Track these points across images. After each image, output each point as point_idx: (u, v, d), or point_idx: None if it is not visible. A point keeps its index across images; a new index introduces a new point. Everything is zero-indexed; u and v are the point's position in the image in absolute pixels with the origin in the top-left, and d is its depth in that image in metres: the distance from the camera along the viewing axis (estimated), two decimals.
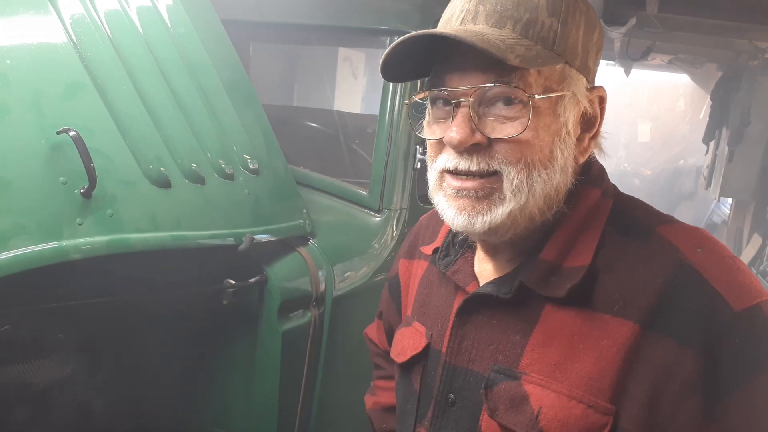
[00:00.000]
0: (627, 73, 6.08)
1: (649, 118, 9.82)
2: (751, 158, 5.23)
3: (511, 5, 0.72)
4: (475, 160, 0.72)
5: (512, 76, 0.70)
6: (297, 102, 4.11)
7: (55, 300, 1.21)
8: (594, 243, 0.74)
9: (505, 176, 0.71)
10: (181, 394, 1.65)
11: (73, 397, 1.40)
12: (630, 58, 4.21)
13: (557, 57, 0.72)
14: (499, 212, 0.72)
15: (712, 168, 5.76)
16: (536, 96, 0.70)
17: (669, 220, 0.76)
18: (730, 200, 6.00)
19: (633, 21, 3.21)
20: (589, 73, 0.77)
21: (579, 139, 0.77)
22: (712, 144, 5.76)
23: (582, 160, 0.78)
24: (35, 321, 1.26)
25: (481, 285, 0.82)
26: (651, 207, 0.80)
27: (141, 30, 1.35)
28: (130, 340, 1.42)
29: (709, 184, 5.87)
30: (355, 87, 5.15)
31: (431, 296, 0.91)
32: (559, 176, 0.74)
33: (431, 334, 0.87)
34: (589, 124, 0.78)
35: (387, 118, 1.85)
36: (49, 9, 1.20)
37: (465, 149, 0.72)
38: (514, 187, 0.71)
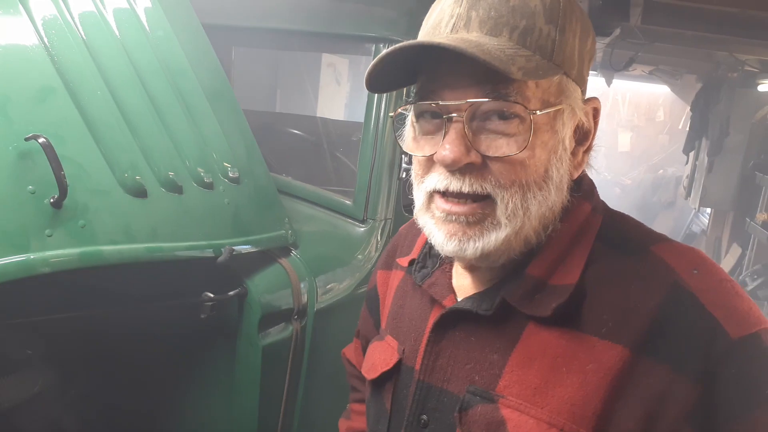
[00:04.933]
0: (608, 83, 6.14)
1: (629, 127, 9.94)
2: (730, 169, 5.30)
3: (507, 11, 0.66)
4: (467, 180, 0.67)
5: (510, 89, 0.65)
6: (279, 108, 4.06)
7: (23, 315, 1.15)
8: (583, 260, 0.71)
9: (498, 201, 0.67)
10: (157, 412, 1.59)
11: (42, 416, 1.33)
12: (613, 68, 4.23)
13: (556, 67, 0.67)
14: (492, 238, 0.68)
15: (692, 178, 5.83)
16: (537, 112, 0.66)
17: (663, 239, 0.72)
18: (709, 210, 6.07)
19: (617, 32, 3.22)
20: (584, 83, 0.73)
21: (573, 153, 0.73)
22: (692, 154, 5.83)
23: (576, 174, 0.74)
24: (1, 337, 1.19)
25: (459, 299, 0.78)
26: (642, 224, 0.76)
27: (117, 33, 1.30)
28: (102, 356, 1.36)
29: (689, 194, 5.94)
30: (339, 93, 5.12)
31: (405, 308, 0.87)
32: (554, 195, 0.69)
33: (403, 350, 0.83)
34: (584, 137, 0.74)
35: (372, 126, 1.81)
36: (20, 9, 1.14)
37: (458, 168, 0.67)
38: (509, 212, 0.67)
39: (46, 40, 1.15)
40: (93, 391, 1.45)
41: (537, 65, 0.65)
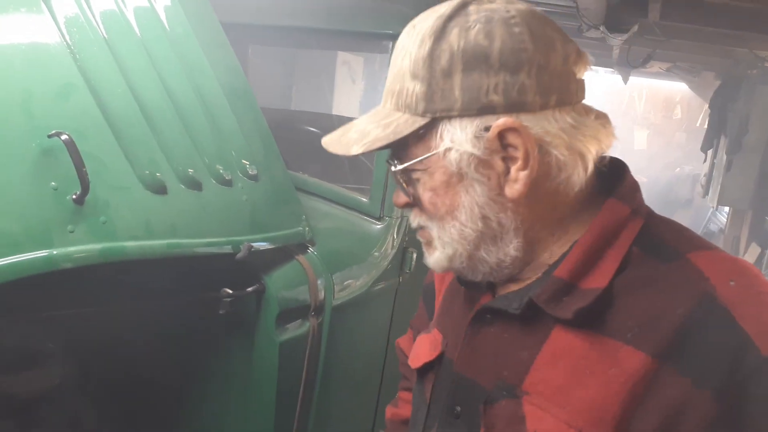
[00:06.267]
0: (625, 80, 6.08)
1: (645, 125, 9.84)
2: (749, 167, 5.23)
3: (392, 80, 0.74)
4: (414, 216, 0.80)
5: (395, 151, 0.75)
6: (295, 106, 4.07)
7: (44, 309, 1.16)
8: (615, 264, 0.69)
9: (430, 230, 0.77)
10: (174, 406, 1.60)
11: (61, 409, 1.35)
12: (630, 65, 4.19)
13: (421, 119, 0.70)
14: (437, 257, 0.77)
15: (710, 176, 5.76)
16: (401, 166, 0.74)
17: (704, 246, 0.70)
18: (727, 208, 5.99)
19: (635, 28, 3.18)
20: (494, 108, 0.67)
21: (506, 174, 0.70)
22: (710, 152, 5.76)
23: (514, 193, 0.69)
24: (23, 330, 1.21)
25: (496, 297, 0.80)
26: (689, 231, 0.74)
27: (137, 31, 1.31)
28: (121, 351, 1.38)
29: (706, 193, 5.87)
30: (354, 91, 5.12)
31: (453, 305, 0.90)
32: (472, 220, 0.72)
33: (446, 343, 0.86)
34: (511, 157, 0.69)
35: None
36: (42, 8, 1.15)
37: (404, 208, 0.80)
38: (437, 238, 0.77)
39: (67, 37, 1.16)
40: (111, 384, 1.47)
41: (392, 130, 0.72)
